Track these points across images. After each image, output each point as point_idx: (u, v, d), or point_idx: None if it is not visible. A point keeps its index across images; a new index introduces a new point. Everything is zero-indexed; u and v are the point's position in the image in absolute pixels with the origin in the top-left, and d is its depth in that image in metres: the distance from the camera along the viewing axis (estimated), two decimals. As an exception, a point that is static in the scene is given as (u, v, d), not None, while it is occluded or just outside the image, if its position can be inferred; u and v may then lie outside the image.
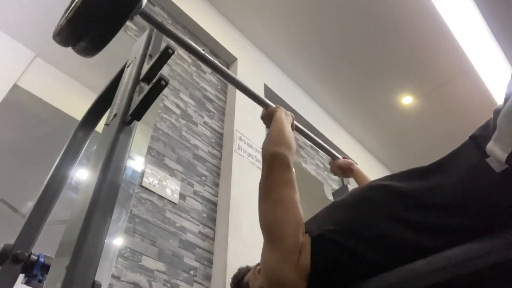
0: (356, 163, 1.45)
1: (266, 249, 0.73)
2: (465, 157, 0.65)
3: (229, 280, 1.79)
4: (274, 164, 0.81)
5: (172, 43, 0.92)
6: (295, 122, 1.20)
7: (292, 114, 1.14)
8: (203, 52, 1.07)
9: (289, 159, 0.82)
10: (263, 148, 0.89)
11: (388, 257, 0.63)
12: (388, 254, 0.63)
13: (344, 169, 1.43)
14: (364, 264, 0.64)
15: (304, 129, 1.33)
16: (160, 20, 1.00)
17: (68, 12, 0.80)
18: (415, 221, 0.63)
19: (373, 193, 0.74)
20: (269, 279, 0.71)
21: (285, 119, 1.04)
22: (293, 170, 0.81)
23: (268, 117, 1.09)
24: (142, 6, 0.91)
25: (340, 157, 1.47)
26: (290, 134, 0.95)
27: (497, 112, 0.61)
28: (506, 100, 0.60)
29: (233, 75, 1.18)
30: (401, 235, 0.63)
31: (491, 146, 0.59)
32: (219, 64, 1.13)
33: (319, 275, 0.66)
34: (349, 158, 1.50)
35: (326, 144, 1.46)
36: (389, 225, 0.65)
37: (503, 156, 0.56)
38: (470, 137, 0.66)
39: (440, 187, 0.64)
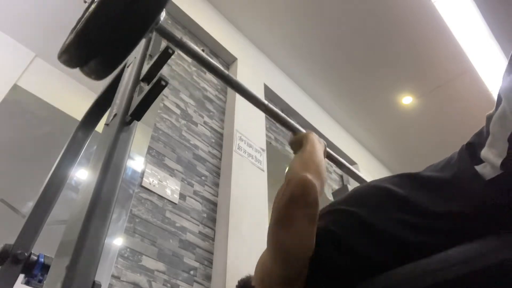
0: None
1: (268, 260, 0.72)
2: (459, 165, 0.65)
3: (229, 280, 1.80)
4: (301, 192, 0.68)
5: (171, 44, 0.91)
6: (328, 149, 1.10)
7: (324, 142, 1.04)
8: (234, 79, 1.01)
9: (318, 191, 0.70)
10: (290, 169, 0.79)
11: (386, 254, 0.62)
12: (387, 251, 0.63)
13: None
14: (364, 264, 0.64)
15: (335, 155, 1.22)
16: (179, 37, 0.91)
17: (78, 24, 0.68)
18: (412, 223, 0.63)
19: (372, 192, 0.73)
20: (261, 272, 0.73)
21: (318, 145, 0.95)
22: (319, 205, 0.70)
23: (298, 143, 0.99)
24: (160, 21, 0.84)
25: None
26: (323, 162, 0.84)
27: (489, 117, 0.61)
28: (497, 105, 0.60)
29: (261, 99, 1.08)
30: (399, 233, 0.63)
31: (485, 152, 0.60)
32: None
33: (317, 275, 0.66)
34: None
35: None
36: (389, 224, 0.65)
37: (497, 161, 0.57)
38: (466, 144, 0.66)
39: (435, 196, 0.64)
